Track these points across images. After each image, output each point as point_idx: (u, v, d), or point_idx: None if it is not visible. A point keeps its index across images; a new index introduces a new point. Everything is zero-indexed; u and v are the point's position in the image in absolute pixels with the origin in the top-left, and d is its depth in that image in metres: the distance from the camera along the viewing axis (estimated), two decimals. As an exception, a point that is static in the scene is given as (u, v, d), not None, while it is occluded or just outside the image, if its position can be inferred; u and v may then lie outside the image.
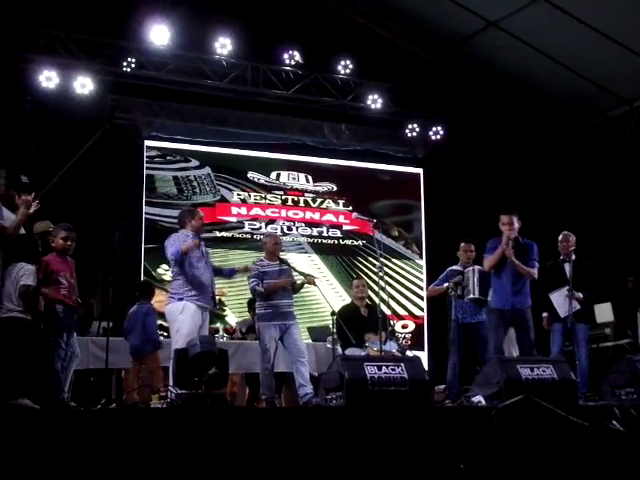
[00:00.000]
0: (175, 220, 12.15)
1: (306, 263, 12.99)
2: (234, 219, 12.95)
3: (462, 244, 9.22)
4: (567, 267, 8.83)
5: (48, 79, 11.29)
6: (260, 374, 8.25)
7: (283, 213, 13.30)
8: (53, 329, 7.18)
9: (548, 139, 13.87)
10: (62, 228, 7.56)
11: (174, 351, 6.74)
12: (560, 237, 9.01)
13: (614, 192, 13.11)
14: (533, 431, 4.88)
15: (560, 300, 8.69)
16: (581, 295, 8.70)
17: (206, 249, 7.96)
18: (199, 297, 7.52)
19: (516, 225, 8.19)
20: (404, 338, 13.23)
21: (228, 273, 8.61)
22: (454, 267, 9.13)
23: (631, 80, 12.65)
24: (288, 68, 12.80)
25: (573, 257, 8.88)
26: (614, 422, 5.08)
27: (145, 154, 12.61)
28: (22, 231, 6.94)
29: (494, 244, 8.26)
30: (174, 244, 7.52)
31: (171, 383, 6.71)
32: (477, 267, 8.69)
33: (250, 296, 9.32)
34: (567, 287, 8.59)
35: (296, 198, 13.50)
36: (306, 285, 8.79)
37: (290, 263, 8.86)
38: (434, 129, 13.75)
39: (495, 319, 8.25)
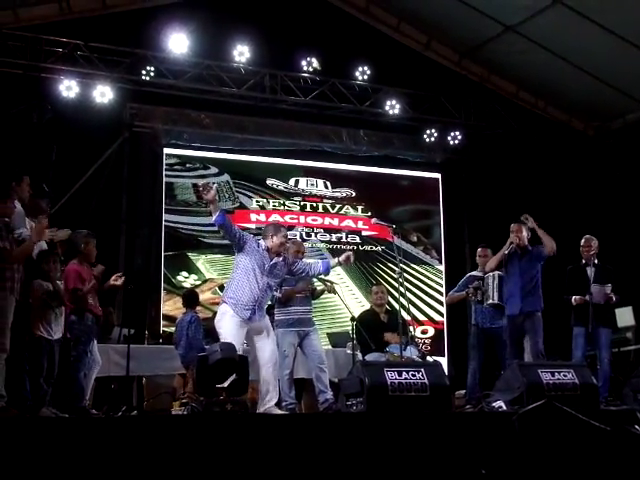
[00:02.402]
0: (194, 227, 12.52)
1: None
2: (253, 226, 12.96)
3: (479, 249, 9.24)
4: (589, 271, 8.83)
5: (68, 88, 11.38)
6: (279, 381, 8.26)
7: (302, 219, 13.32)
8: (83, 338, 7.25)
9: (566, 143, 13.82)
10: (92, 236, 7.63)
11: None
12: (582, 241, 9.00)
13: (633, 195, 13.04)
14: (554, 436, 4.87)
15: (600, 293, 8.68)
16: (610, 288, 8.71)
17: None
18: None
19: (524, 234, 8.31)
20: (424, 343, 13.21)
21: (324, 270, 7.62)
22: (474, 273, 9.13)
23: (650, 83, 12.62)
24: (306, 75, 12.85)
25: (595, 261, 8.87)
26: (636, 426, 5.06)
27: (164, 162, 12.66)
28: (44, 246, 7.01)
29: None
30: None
31: None
32: (497, 272, 8.70)
33: (269, 302, 9.31)
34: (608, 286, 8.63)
35: (315, 204, 13.51)
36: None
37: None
38: (452, 134, 13.75)
39: (510, 326, 8.37)
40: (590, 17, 11.52)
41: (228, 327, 7.02)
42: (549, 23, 11.89)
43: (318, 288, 8.64)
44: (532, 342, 8.27)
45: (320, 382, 8.14)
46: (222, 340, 6.95)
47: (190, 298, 9.70)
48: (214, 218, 6.97)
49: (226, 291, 7.21)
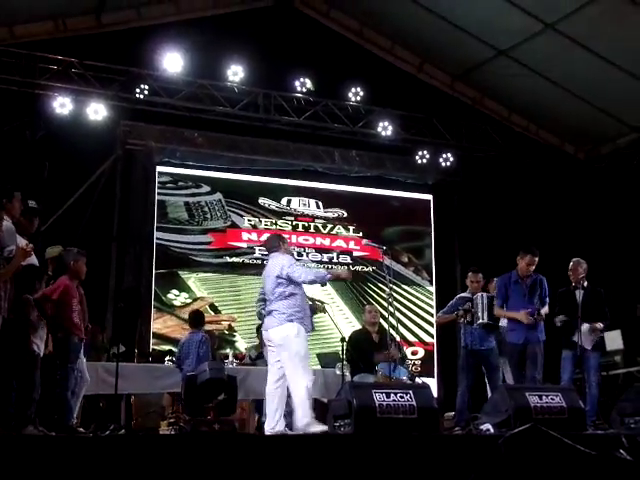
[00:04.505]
0: (185, 246, 12.53)
1: (317, 289, 13.00)
2: (245, 245, 13.00)
3: (469, 273, 9.26)
4: (578, 294, 8.84)
5: (62, 105, 11.41)
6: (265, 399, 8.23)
7: (293, 239, 13.32)
8: (68, 357, 7.23)
9: (557, 166, 13.91)
10: (82, 254, 7.63)
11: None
12: (571, 264, 9.02)
13: (623, 219, 13.11)
14: (540, 460, 4.87)
15: (586, 333, 8.67)
16: (602, 325, 8.72)
17: None
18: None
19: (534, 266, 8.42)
20: (414, 365, 13.21)
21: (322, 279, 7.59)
22: (463, 294, 9.16)
23: (640, 108, 12.72)
24: (299, 95, 12.91)
25: (585, 284, 8.88)
26: (621, 451, 5.07)
27: (157, 180, 12.67)
28: (33, 261, 6.99)
29: (502, 283, 8.48)
30: (296, 263, 7.38)
31: None
32: (486, 293, 8.75)
33: (259, 322, 9.33)
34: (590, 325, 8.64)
35: (307, 224, 13.54)
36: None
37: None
38: (444, 156, 13.81)
39: (511, 353, 8.43)
40: (581, 43, 11.65)
41: (304, 344, 7.07)
42: (541, 48, 12.01)
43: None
44: (530, 372, 8.31)
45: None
46: (299, 358, 6.93)
47: (197, 318, 9.76)
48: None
49: (284, 310, 7.12)
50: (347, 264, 13.51)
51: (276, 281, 7.17)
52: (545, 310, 8.49)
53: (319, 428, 6.66)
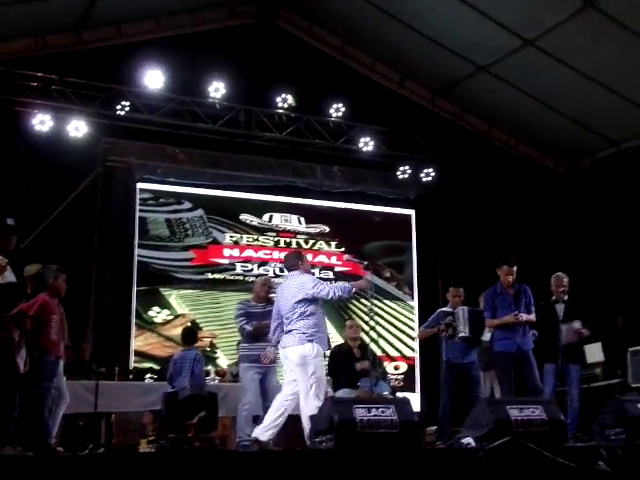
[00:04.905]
0: (167, 262, 12.50)
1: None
2: (226, 261, 12.98)
3: (451, 288, 9.27)
4: (558, 308, 8.89)
5: (42, 122, 11.38)
6: (237, 416, 8.19)
7: (275, 255, 13.33)
8: (42, 375, 7.17)
9: (537, 180, 13.99)
10: (62, 271, 7.58)
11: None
12: (553, 279, 9.07)
13: (603, 233, 13.19)
14: (520, 472, 4.88)
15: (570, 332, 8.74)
16: (578, 325, 8.78)
17: None
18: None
19: (514, 275, 8.44)
20: (396, 379, 13.20)
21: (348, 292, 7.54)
22: (444, 309, 9.17)
23: (619, 122, 12.84)
24: (281, 111, 12.94)
25: (565, 298, 8.93)
26: (600, 463, 5.08)
27: (138, 197, 12.65)
28: (11, 278, 6.92)
29: (489, 295, 8.52)
30: (320, 282, 7.29)
31: None
32: (467, 307, 8.76)
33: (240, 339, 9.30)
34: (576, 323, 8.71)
35: (288, 240, 13.54)
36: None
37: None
38: (425, 171, 13.87)
39: (502, 362, 8.41)
40: (560, 58, 11.74)
41: (321, 365, 7.07)
42: (520, 64, 12.09)
43: None
44: (530, 376, 8.31)
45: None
46: (315, 378, 6.91)
47: (190, 335, 9.68)
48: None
49: (305, 330, 7.06)
50: (329, 279, 13.48)
51: (298, 300, 7.11)
52: (531, 318, 8.49)
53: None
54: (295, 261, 7.41)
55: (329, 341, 7.43)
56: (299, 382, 7.01)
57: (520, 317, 8.30)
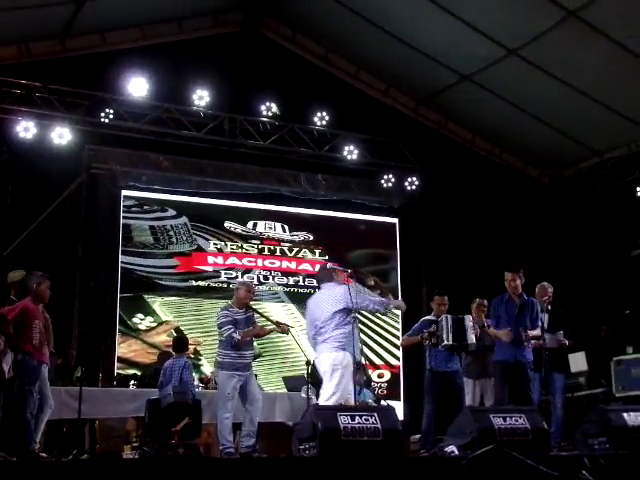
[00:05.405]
0: (151, 269, 12.47)
1: (282, 312, 13.01)
2: (210, 268, 12.97)
3: (435, 297, 9.25)
4: (544, 317, 8.92)
5: (26, 129, 11.35)
6: (218, 424, 8.18)
7: (259, 262, 13.34)
8: (24, 379, 7.14)
9: (521, 189, 14.05)
10: (46, 277, 7.56)
11: None
12: (537, 289, 9.10)
13: (586, 243, 13.25)
14: (504, 480, 4.91)
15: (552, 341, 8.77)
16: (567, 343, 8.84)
17: None
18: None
19: (519, 282, 8.43)
20: (380, 387, 13.22)
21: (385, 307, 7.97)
22: (428, 317, 9.16)
23: (602, 132, 12.93)
24: (265, 119, 12.95)
25: (549, 307, 8.97)
26: (584, 472, 5.10)
27: (122, 204, 12.63)
28: None
29: (495, 303, 8.62)
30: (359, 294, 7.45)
31: None
32: (450, 315, 8.77)
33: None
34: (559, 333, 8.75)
35: (272, 247, 13.55)
36: (281, 335, 8.86)
37: (262, 312, 8.91)
38: (409, 179, 13.91)
39: (498, 372, 8.43)
40: (544, 68, 11.81)
41: (348, 373, 7.15)
42: (504, 73, 12.17)
43: (266, 328, 8.67)
44: (521, 389, 8.31)
45: (252, 425, 8.12)
46: (337, 383, 7.03)
47: (180, 343, 9.72)
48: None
49: (340, 339, 7.22)
50: (313, 287, 13.48)
51: (336, 310, 7.29)
52: (535, 333, 8.47)
53: None
54: (329, 274, 7.62)
55: (361, 351, 7.60)
56: (323, 386, 7.18)
57: (509, 337, 8.30)
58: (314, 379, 8.82)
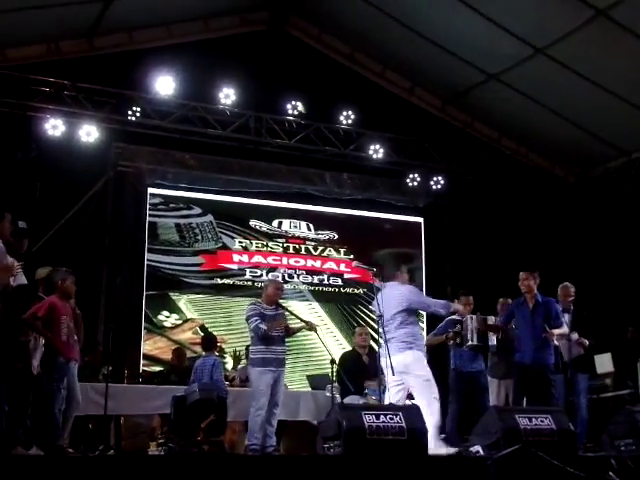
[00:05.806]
0: (176, 267, 12.52)
1: (307, 311, 13.02)
2: (235, 266, 13.00)
3: (461, 297, 9.25)
4: (566, 317, 8.88)
5: (54, 127, 11.45)
6: (249, 421, 8.19)
7: (284, 261, 13.35)
8: (54, 375, 7.21)
9: (547, 189, 13.97)
10: (70, 273, 7.63)
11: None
12: (560, 289, 9.06)
13: (613, 243, 13.15)
14: (529, 481, 4.89)
15: (573, 346, 8.72)
16: (587, 342, 8.77)
17: None
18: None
19: (532, 282, 8.39)
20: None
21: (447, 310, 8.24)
22: (453, 317, 9.16)
23: (630, 131, 12.79)
24: (291, 118, 12.96)
25: (572, 308, 8.93)
26: (611, 473, 5.07)
27: (148, 201, 12.69)
28: (22, 281, 6.98)
29: (512, 304, 8.78)
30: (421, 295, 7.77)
31: None
32: (475, 315, 8.75)
33: (249, 343, 9.29)
34: (574, 334, 8.68)
35: (297, 246, 13.55)
36: (307, 333, 8.87)
37: (292, 310, 8.92)
38: (435, 179, 13.87)
39: (515, 373, 8.41)
40: (571, 67, 11.72)
41: (426, 368, 7.54)
42: (531, 72, 12.08)
43: (296, 326, 8.66)
44: (544, 393, 8.27)
45: (271, 425, 8.15)
46: (424, 380, 7.40)
47: (209, 342, 9.82)
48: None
49: (405, 339, 7.47)
50: (338, 286, 13.52)
51: (399, 310, 7.47)
52: (559, 331, 8.40)
53: (444, 450, 6.93)
54: (394, 272, 7.77)
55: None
56: (414, 389, 7.53)
57: (550, 333, 8.24)
58: (338, 378, 8.84)
